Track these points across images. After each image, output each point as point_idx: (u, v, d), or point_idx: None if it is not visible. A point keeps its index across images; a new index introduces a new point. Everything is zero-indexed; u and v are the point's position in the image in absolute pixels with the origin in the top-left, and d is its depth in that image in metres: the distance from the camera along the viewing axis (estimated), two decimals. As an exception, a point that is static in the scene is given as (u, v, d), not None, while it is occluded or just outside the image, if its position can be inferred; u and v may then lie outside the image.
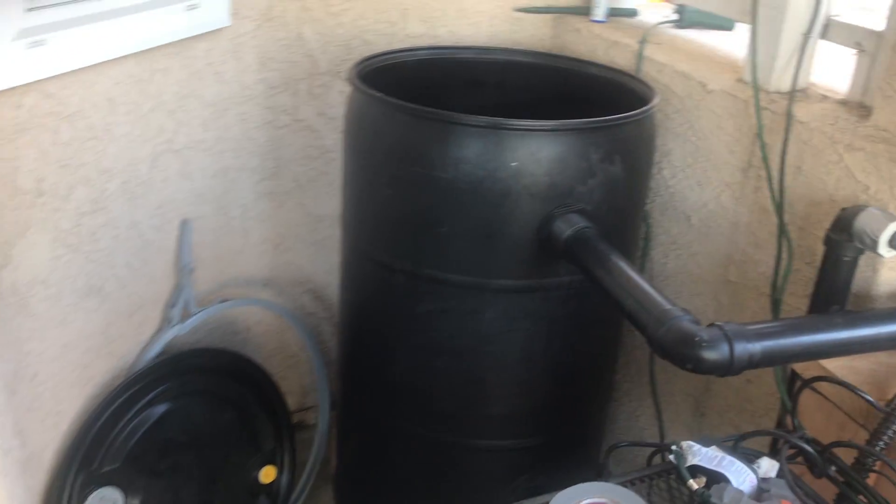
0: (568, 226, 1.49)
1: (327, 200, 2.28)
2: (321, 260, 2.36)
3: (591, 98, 1.91)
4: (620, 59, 2.00)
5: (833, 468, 1.16)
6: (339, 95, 2.16)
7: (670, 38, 2.00)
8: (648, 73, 1.90)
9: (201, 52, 1.89)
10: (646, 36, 1.95)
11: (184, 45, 1.83)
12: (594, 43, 2.10)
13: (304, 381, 2.51)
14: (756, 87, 1.59)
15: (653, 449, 1.26)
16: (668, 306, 1.25)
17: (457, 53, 2.02)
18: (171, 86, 1.83)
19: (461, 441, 1.77)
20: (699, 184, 1.80)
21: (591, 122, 1.50)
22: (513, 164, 1.48)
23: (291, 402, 2.44)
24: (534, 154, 1.49)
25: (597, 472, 2.23)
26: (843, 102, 1.57)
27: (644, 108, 1.59)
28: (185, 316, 1.98)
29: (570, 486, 1.18)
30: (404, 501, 1.90)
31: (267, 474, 2.11)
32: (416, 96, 1.74)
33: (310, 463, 2.31)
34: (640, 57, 1.92)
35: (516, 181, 1.49)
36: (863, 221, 1.30)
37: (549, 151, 1.49)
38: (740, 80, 1.70)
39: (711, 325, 1.20)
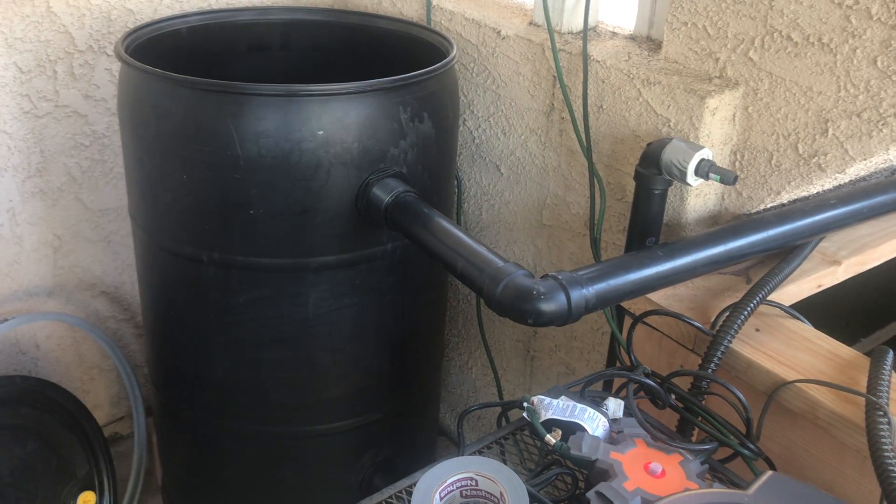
0: (386, 192, 1.42)
1: (108, 192, 2.05)
2: (110, 258, 2.14)
3: (385, 54, 1.83)
4: (408, 9, 1.94)
5: (673, 397, 1.19)
6: (105, 74, 1.93)
7: (456, -15, 1.96)
8: (439, 22, 1.86)
9: (-72, 38, 1.61)
10: (432, -16, 1.89)
11: None
12: (379, -5, 2.02)
13: (111, 391, 2.29)
14: (550, 29, 1.58)
15: (503, 408, 1.25)
16: (500, 264, 1.22)
17: (234, 17, 1.86)
18: None
19: (298, 430, 1.68)
20: (504, 132, 1.79)
21: (396, 79, 1.43)
22: (319, 132, 1.38)
23: (101, 415, 2.23)
24: (341, 119, 1.39)
25: (446, 442, 2.24)
26: (633, 38, 1.61)
27: (446, 60, 1.54)
28: (-41, 345, 1.72)
29: (416, 453, 1.13)
30: (243, 502, 1.78)
31: (86, 501, 1.91)
32: (196, 67, 1.58)
33: (132, 478, 2.13)
34: (428, 6, 1.86)
35: (325, 151, 1.39)
36: (669, 154, 1.33)
37: (356, 115, 1.40)
38: (532, 24, 1.69)
39: (545, 276, 1.19)
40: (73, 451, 1.91)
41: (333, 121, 1.39)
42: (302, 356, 1.58)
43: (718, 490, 0.74)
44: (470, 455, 1.15)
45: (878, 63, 1.19)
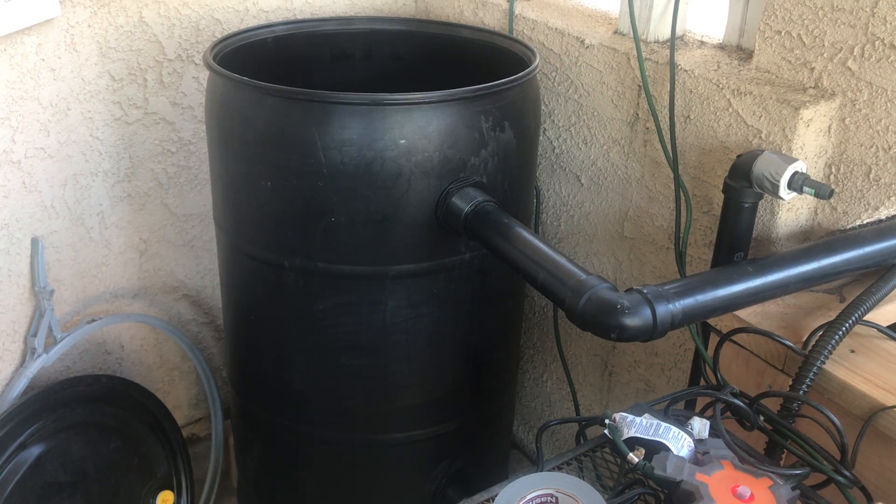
0: (466, 201, 1.41)
1: (193, 197, 2.10)
2: (193, 262, 2.19)
3: (466, 63, 1.83)
4: (490, 19, 1.93)
5: (762, 418, 1.15)
6: (193, 82, 1.98)
7: (538, -6, 1.95)
8: (521, 31, 1.84)
9: (31, 48, 1.67)
10: (514, -6, 1.88)
11: (8, 42, 1.61)
12: (460, 4, 2.01)
13: (190, 393, 2.34)
14: (637, 38, 1.55)
15: (581, 424, 1.22)
16: (583, 276, 1.20)
17: (319, 26, 1.88)
18: (0, 89, 1.61)
19: (372, 438, 1.68)
20: (585, 142, 1.76)
21: (478, 89, 1.42)
22: (401, 141, 1.38)
23: (180, 416, 2.28)
24: (422, 129, 1.39)
25: (519, 455, 2.22)
26: (722, 47, 1.56)
27: (529, 69, 1.52)
28: (50, 344, 1.78)
29: (489, 465, 1.12)
30: (317, 507, 1.80)
31: (164, 500, 1.95)
32: (282, 76, 1.60)
33: (208, 479, 2.17)
34: (511, 16, 1.85)
35: (407, 160, 1.39)
36: (761, 166, 1.29)
37: (438, 124, 1.40)
38: (617, 33, 1.67)
39: (630, 290, 1.16)
40: (153, 450, 1.95)
41: (415, 130, 1.39)
42: (379, 363, 1.58)
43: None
44: (549, 471, 1.13)
45: None
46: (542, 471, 1.11)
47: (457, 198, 1.42)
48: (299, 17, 2.02)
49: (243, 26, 1.94)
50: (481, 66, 1.75)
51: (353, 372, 1.60)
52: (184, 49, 1.95)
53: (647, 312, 1.13)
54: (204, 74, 1.94)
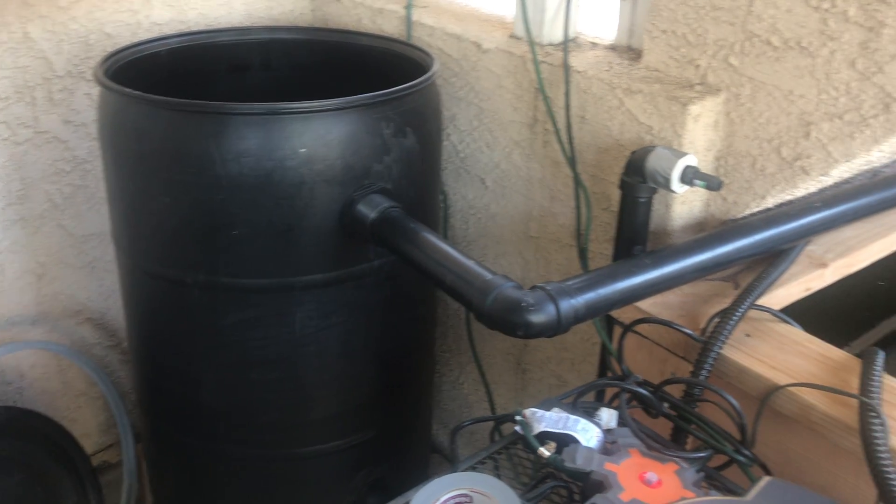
0: (371, 208, 1.41)
1: (91, 217, 2.04)
2: (95, 284, 2.11)
3: (366, 71, 1.83)
4: (388, 26, 1.94)
5: (666, 405, 1.18)
6: (85, 99, 1.92)
7: (435, 0, 1.96)
8: (420, 37, 1.85)
9: None
10: (411, 0, 1.89)
11: None
12: (358, 12, 2.01)
13: (99, 419, 2.26)
14: (531, 41, 1.58)
15: (495, 422, 1.24)
16: (489, 276, 1.21)
17: (214, 38, 1.85)
18: None
19: (289, 452, 1.66)
20: (488, 145, 1.79)
21: (378, 95, 1.42)
22: (301, 150, 1.37)
23: (89, 443, 2.20)
24: (323, 137, 1.38)
25: (439, 459, 2.22)
26: (613, 48, 1.61)
27: (427, 75, 1.53)
28: (-59, 377, 1.69)
29: (409, 471, 1.12)
30: (237, 526, 1.76)
31: (74, 532, 1.88)
32: (178, 90, 1.56)
33: (122, 506, 2.10)
34: (408, 22, 1.86)
35: (309, 168, 1.38)
36: (654, 162, 1.33)
37: (339, 132, 1.39)
38: (513, 37, 1.70)
39: (534, 287, 1.18)
40: (60, 481, 1.88)
41: (315, 138, 1.38)
42: (291, 377, 1.57)
43: (717, 498, 0.73)
44: (463, 471, 1.14)
45: (857, 65, 1.20)
46: (457, 471, 1.12)
47: (362, 205, 1.42)
48: (194, 29, 1.98)
49: (135, 40, 1.88)
50: (381, 74, 1.76)
51: (265, 386, 1.57)
52: (74, 65, 1.89)
53: (552, 308, 1.16)
54: (96, 91, 1.88)
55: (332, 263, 1.47)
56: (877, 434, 1.03)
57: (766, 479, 0.72)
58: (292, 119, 1.38)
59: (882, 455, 1.00)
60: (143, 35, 1.96)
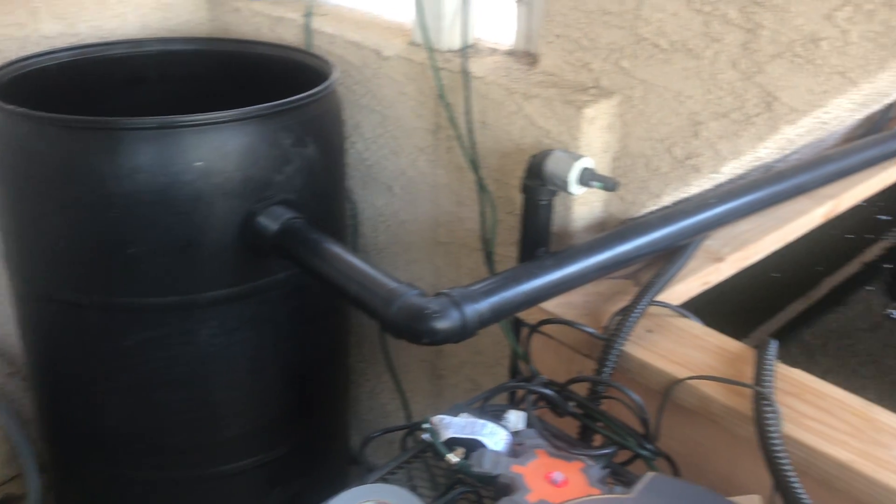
0: (273, 220, 1.39)
1: (-18, 240, 1.94)
2: (-10, 310, 2.02)
3: (267, 80, 1.80)
4: (288, 35, 1.91)
5: (571, 404, 1.20)
6: (-30, 116, 1.83)
7: (335, 8, 1.95)
8: (320, 46, 1.84)
9: None
10: (310, 8, 1.88)
11: None
12: (257, 21, 1.99)
13: (2, 451, 2.16)
14: (429, 48, 1.59)
15: (405, 431, 1.23)
16: (393, 285, 1.21)
17: (107, 51, 1.80)
18: None
19: (201, 473, 1.62)
20: (394, 152, 1.78)
21: (275, 105, 1.40)
22: (198, 163, 1.34)
23: (-10, 478, 2.10)
24: (219, 149, 1.36)
25: (359, 471, 2.20)
26: (511, 53, 1.63)
27: (326, 84, 1.52)
28: None
29: (327, 485, 1.11)
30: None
31: (-24, 571, 1.79)
32: (70, 105, 1.51)
33: (28, 541, 2.01)
34: (308, 30, 1.85)
35: (206, 182, 1.35)
36: (552, 165, 1.35)
37: (236, 144, 1.37)
38: (413, 44, 1.70)
39: (438, 294, 1.19)
40: (-41, 518, 1.79)
41: (212, 151, 1.35)
42: (198, 396, 1.53)
43: (600, 497, 0.75)
44: (373, 482, 1.13)
45: (740, 66, 1.24)
46: (365, 483, 1.11)
47: (263, 217, 1.40)
48: (86, 42, 1.91)
49: (23, 54, 1.81)
50: (281, 83, 1.73)
51: (170, 407, 1.53)
52: (-44, 81, 1.80)
53: (456, 314, 1.16)
54: (-18, 107, 1.80)
55: (236, 278, 1.45)
56: (769, 421, 1.07)
57: (650, 475, 0.74)
58: (187, 132, 1.35)
59: (775, 441, 1.04)
60: (32, 49, 1.88)
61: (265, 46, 1.83)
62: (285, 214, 1.39)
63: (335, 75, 1.57)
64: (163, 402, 1.52)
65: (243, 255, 1.42)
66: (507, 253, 1.62)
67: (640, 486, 0.71)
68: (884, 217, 2.07)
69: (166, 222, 1.36)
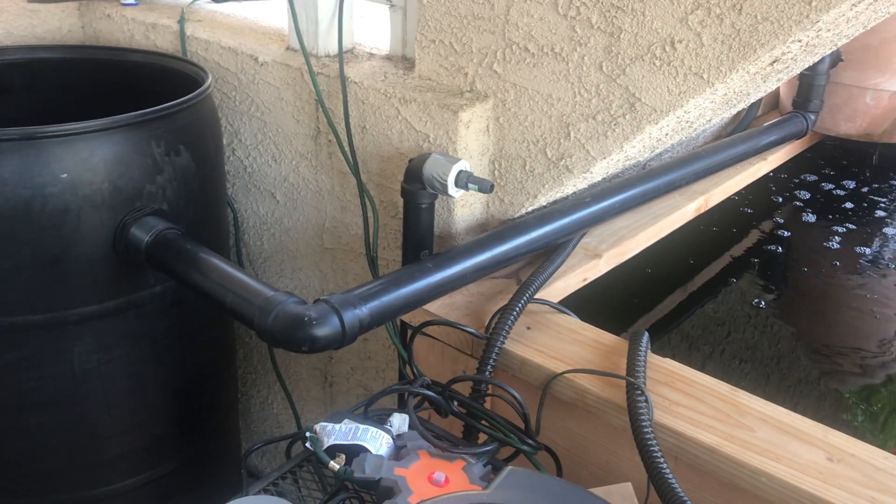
0: (145, 231, 1.35)
1: None
2: None
3: (140, 88, 1.75)
4: (162, 41, 1.87)
5: (455, 403, 1.22)
6: None
7: (210, 14, 1.91)
8: (195, 52, 1.80)
9: None
10: (184, 14, 1.84)
11: None
12: (130, 28, 1.93)
13: None
14: (306, 54, 1.58)
15: (289, 441, 1.22)
16: (270, 293, 1.19)
17: (-35, 59, 1.71)
18: None
19: (83, 495, 1.55)
20: (275, 159, 1.76)
21: (144, 113, 1.36)
22: (63, 175, 1.29)
23: None
24: (86, 160, 1.31)
25: (242, 483, 2.15)
26: (389, 58, 1.64)
27: (199, 91, 1.49)
28: None
29: (219, 498, 1.08)
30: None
31: None
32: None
33: None
34: (182, 37, 1.80)
35: (73, 194, 1.30)
36: (430, 168, 1.36)
37: (104, 154, 1.32)
38: (289, 49, 1.68)
39: (317, 301, 1.18)
40: None
41: (78, 162, 1.30)
42: (75, 417, 1.47)
43: (457, 494, 0.76)
44: (255, 494, 1.11)
45: (604, 68, 1.29)
46: (246, 495, 1.09)
47: (135, 228, 1.36)
48: (-58, 49, 1.82)
49: None
50: (156, 91, 1.69)
51: (46, 430, 1.46)
52: None
53: (335, 321, 1.16)
54: None
55: (109, 293, 1.40)
56: (641, 409, 1.11)
57: (507, 470, 0.75)
58: (51, 143, 1.29)
59: (645, 428, 1.08)
60: None
61: (138, 54, 1.78)
62: (158, 225, 1.36)
63: (208, 82, 1.54)
64: (36, 424, 1.45)
65: (116, 268, 1.37)
66: (391, 257, 1.62)
67: (497, 481, 0.73)
68: (749, 211, 2.19)
69: (31, 237, 1.30)
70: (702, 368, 1.24)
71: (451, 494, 0.75)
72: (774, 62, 1.22)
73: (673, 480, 1.00)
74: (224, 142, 1.74)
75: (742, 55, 1.16)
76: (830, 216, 2.17)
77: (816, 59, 1.56)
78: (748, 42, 1.15)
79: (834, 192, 2.31)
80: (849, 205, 2.23)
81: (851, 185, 2.35)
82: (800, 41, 1.15)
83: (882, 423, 1.57)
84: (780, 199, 2.26)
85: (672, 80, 1.23)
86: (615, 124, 1.31)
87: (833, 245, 2.04)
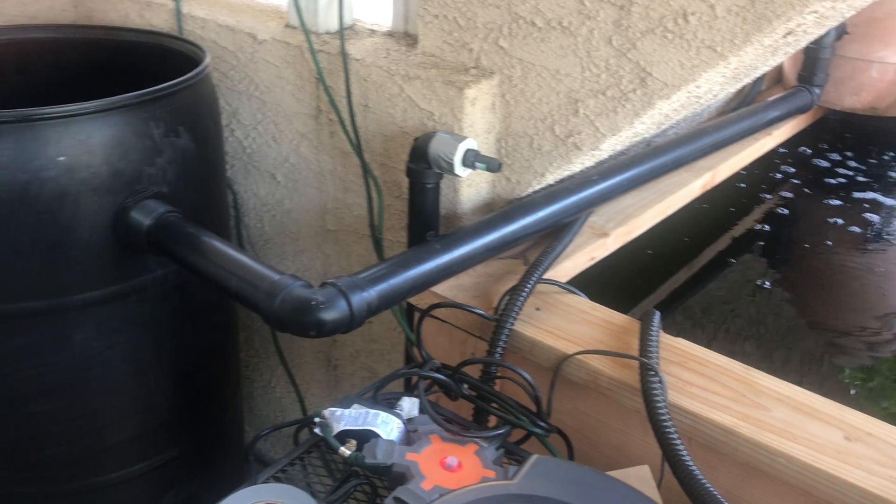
0: (146, 215, 1.32)
1: None
2: None
3: (137, 68, 1.71)
4: (158, 20, 1.83)
5: (465, 386, 1.20)
6: None
7: (207, -9, 1.87)
8: (192, 31, 1.76)
9: None
10: (180, -8, 1.80)
11: None
12: (125, 7, 1.89)
13: None
14: (306, 31, 1.54)
15: (296, 426, 1.20)
16: (276, 277, 1.17)
17: (-45, 39, 1.67)
18: None
19: (86, 483, 1.53)
20: (275, 139, 1.73)
21: (142, 94, 1.33)
22: (60, 158, 1.26)
23: None
24: (84, 142, 1.28)
25: (247, 471, 2.14)
26: (391, 34, 1.60)
27: (197, 70, 1.45)
28: None
29: (223, 484, 1.07)
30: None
31: None
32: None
33: None
34: (178, 15, 1.77)
35: (70, 178, 1.27)
36: (436, 147, 1.34)
37: (102, 136, 1.29)
38: (288, 26, 1.65)
39: (324, 284, 1.16)
40: None
41: (76, 144, 1.27)
42: (77, 404, 1.44)
43: (485, 484, 0.74)
44: (264, 481, 1.09)
45: (614, 42, 1.26)
46: (256, 483, 1.08)
47: (136, 212, 1.33)
48: (-68, 30, 1.77)
49: None
50: (152, 71, 1.65)
51: (48, 418, 1.44)
52: None
53: (343, 304, 1.13)
54: None
55: (110, 278, 1.37)
56: (655, 390, 1.09)
57: (533, 458, 0.73)
58: (48, 125, 1.26)
59: (661, 410, 1.06)
60: None
61: (134, 33, 1.73)
62: (159, 208, 1.33)
63: (207, 61, 1.50)
64: (38, 412, 1.43)
65: (116, 253, 1.35)
66: (396, 238, 1.60)
67: (523, 470, 0.71)
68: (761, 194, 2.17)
69: (29, 222, 1.27)
70: (707, 347, 1.22)
71: (479, 485, 0.73)
72: (788, 34, 1.19)
73: (690, 462, 0.99)
74: (223, 122, 1.70)
75: (757, 27, 1.13)
76: (833, 194, 2.16)
77: (823, 31, 1.54)
78: (763, 13, 1.12)
79: (837, 169, 2.29)
80: (857, 179, 2.22)
81: (853, 161, 2.33)
82: (816, 12, 1.12)
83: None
84: (780, 176, 2.24)
85: (684, 53, 1.20)
86: (625, 100, 1.28)
87: (837, 221, 2.03)
